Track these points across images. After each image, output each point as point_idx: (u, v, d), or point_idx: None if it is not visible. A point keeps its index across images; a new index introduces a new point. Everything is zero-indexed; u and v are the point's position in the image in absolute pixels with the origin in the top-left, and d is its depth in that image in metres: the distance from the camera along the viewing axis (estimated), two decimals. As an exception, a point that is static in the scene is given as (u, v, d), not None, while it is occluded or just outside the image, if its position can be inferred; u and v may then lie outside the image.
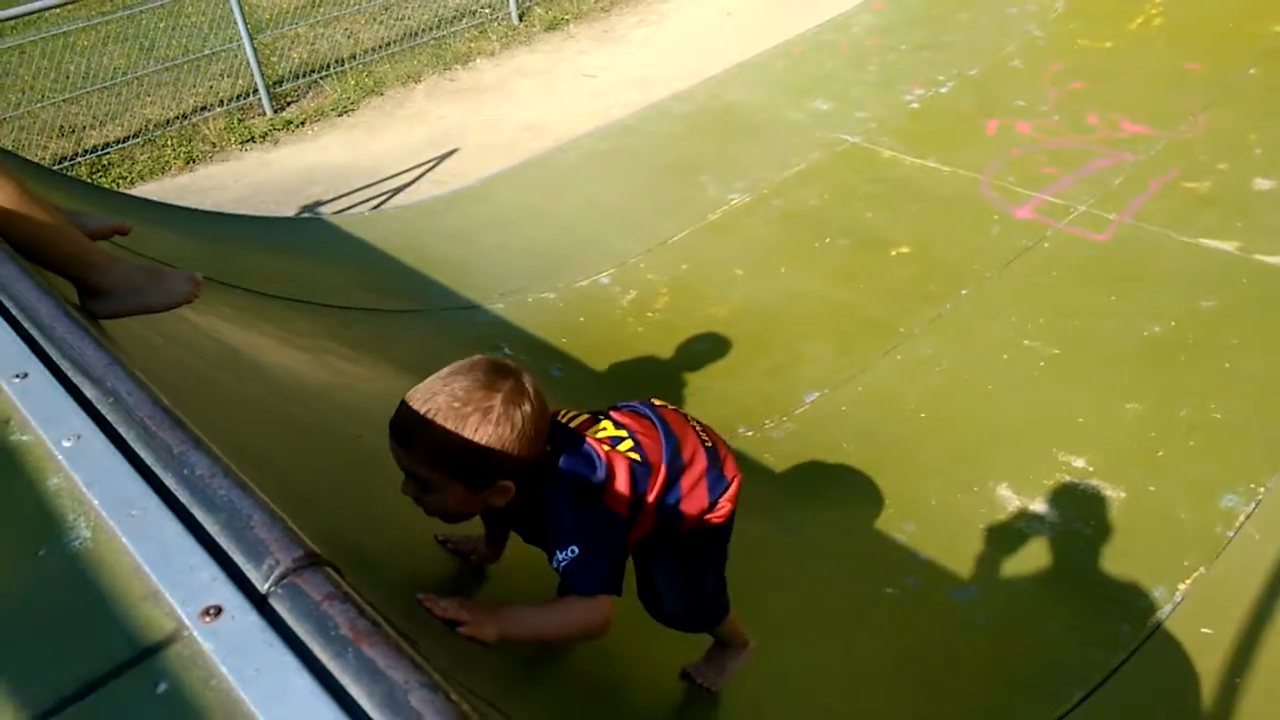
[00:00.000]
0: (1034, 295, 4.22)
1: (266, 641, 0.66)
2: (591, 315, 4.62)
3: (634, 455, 1.68)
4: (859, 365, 3.97)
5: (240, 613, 0.69)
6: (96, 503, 0.81)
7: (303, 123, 7.93)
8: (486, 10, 9.45)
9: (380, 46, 8.94)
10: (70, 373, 1.00)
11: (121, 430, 0.89)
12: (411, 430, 1.44)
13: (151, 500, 0.79)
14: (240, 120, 7.97)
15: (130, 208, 4.52)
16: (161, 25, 8.65)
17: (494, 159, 7.01)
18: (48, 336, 1.02)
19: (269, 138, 7.78)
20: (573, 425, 1.68)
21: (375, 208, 6.59)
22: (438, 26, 9.22)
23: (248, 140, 7.73)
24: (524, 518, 1.66)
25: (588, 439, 1.65)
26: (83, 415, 0.91)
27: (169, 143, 7.72)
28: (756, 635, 2.26)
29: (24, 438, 0.90)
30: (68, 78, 7.99)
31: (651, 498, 1.70)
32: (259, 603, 0.71)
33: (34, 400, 0.94)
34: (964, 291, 4.28)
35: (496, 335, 4.34)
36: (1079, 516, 3.18)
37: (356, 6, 9.34)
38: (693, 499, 1.78)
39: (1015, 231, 4.65)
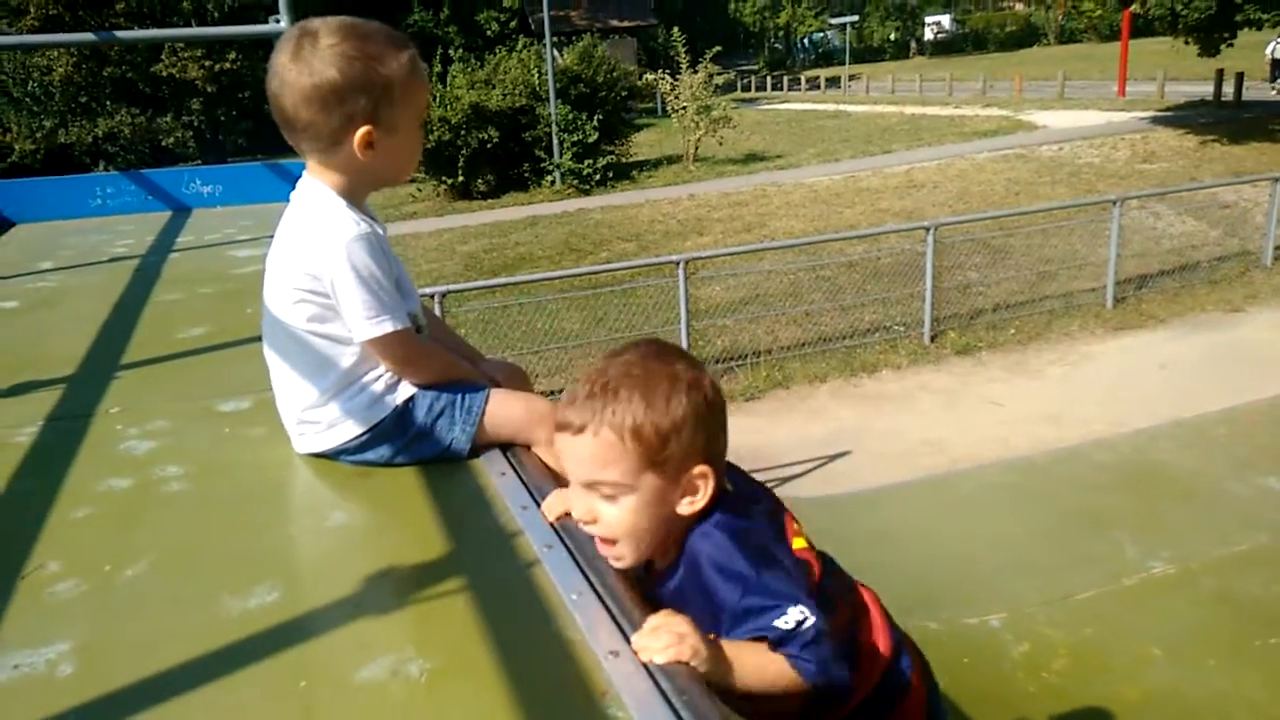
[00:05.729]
0: None
1: None
2: (977, 659, 4.34)
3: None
4: (1311, 808, 3.28)
5: None
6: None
7: (714, 402, 8.69)
8: (900, 328, 9.93)
9: (795, 346, 9.69)
10: (610, 603, 1.19)
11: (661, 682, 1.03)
12: (594, 408, 1.24)
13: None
14: (663, 391, 8.94)
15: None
16: (617, 302, 10.13)
17: (886, 468, 7.10)
18: (630, 621, 1.23)
19: (682, 410, 8.60)
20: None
21: (766, 494, 6.89)
22: (850, 336, 9.83)
23: (664, 409, 8.61)
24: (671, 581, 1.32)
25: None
26: (666, 708, 1.05)
27: (600, 400, 8.83)
28: None
29: (620, 715, 1.07)
30: (534, 334, 9.58)
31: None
32: None
33: (626, 681, 1.11)
34: None
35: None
36: None
37: (780, 310, 10.30)
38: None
39: None
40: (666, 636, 1.15)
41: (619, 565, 1.31)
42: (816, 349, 9.66)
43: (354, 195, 1.71)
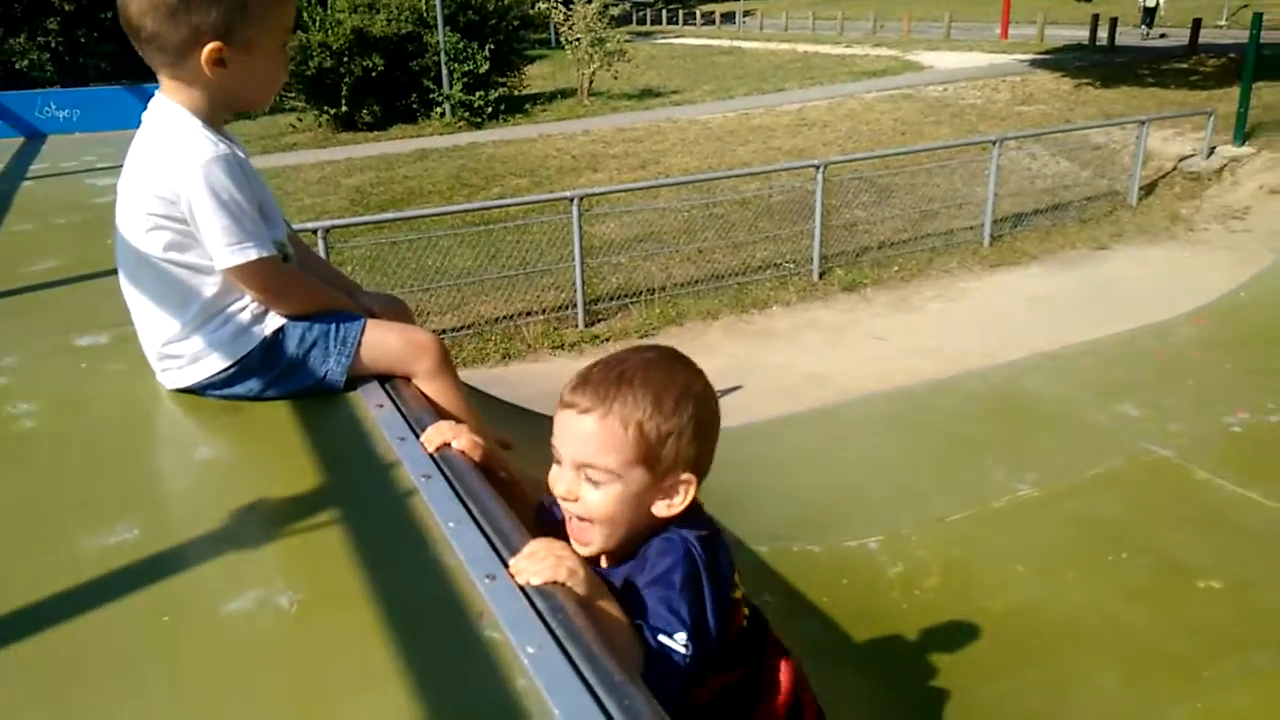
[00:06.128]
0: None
1: None
2: (855, 579, 4.54)
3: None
4: (1150, 705, 3.56)
5: None
6: (558, 714, 0.95)
7: (608, 339, 8.71)
8: (790, 265, 10.11)
9: (689, 283, 9.77)
10: (488, 529, 1.20)
11: (569, 648, 1.04)
12: (606, 394, 1.25)
13: (603, 725, 0.92)
14: (555, 329, 8.91)
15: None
16: (510, 239, 9.97)
17: (775, 401, 7.28)
18: (508, 546, 1.23)
19: (576, 347, 8.61)
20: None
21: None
22: (743, 273, 9.96)
23: (558, 347, 8.59)
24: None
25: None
26: (541, 626, 1.08)
27: (493, 338, 8.74)
28: None
29: (495, 635, 1.09)
30: (425, 272, 9.36)
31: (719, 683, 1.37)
32: None
33: (502, 602, 1.13)
34: (1288, 647, 3.80)
35: (759, 580, 4.36)
36: None
37: (674, 248, 10.33)
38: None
39: (1357, 591, 4.11)
40: (544, 559, 1.17)
41: (585, 551, 1.31)
42: (709, 286, 9.76)
43: (210, 116, 1.62)
